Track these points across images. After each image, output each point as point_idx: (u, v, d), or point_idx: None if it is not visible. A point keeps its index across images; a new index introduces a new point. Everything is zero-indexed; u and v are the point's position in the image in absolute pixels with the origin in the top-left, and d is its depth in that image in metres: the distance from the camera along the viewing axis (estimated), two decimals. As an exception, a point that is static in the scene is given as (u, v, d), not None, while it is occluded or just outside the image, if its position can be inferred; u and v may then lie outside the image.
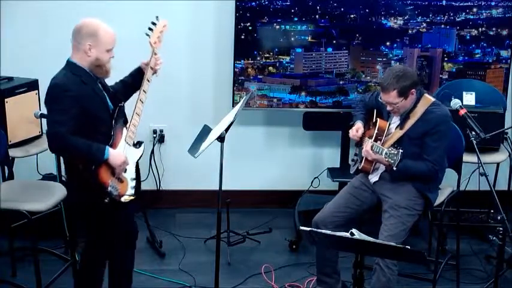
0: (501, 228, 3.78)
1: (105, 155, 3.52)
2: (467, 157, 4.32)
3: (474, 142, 3.85)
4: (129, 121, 3.70)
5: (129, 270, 3.98)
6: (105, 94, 3.65)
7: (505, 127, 4.72)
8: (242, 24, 4.90)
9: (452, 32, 5.03)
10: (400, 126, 4.00)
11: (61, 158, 4.29)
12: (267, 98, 5.06)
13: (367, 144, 3.97)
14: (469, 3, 4.99)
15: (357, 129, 4.15)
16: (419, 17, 5.00)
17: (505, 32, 5.02)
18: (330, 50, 5.03)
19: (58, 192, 4.18)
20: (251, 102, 5.03)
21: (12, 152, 4.40)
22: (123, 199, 3.65)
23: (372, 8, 4.97)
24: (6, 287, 4.30)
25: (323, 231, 3.34)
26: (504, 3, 4.97)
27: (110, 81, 3.78)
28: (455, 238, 4.45)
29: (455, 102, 4.06)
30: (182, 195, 5.46)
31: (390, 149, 3.78)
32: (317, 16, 4.95)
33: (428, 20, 5.01)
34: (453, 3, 4.99)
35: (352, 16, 4.98)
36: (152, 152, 5.30)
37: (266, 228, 5.12)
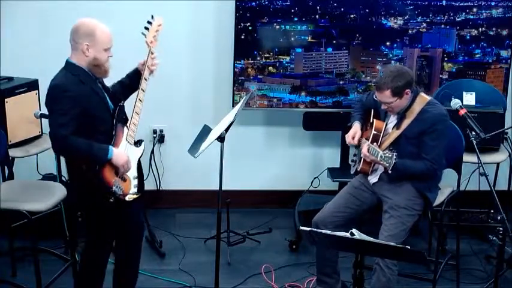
0: (501, 228, 3.78)
1: (108, 154, 3.54)
2: (467, 157, 4.32)
3: (474, 142, 3.85)
4: (129, 120, 3.71)
5: (135, 269, 3.99)
6: (105, 94, 3.66)
7: (505, 127, 4.72)
8: (242, 24, 4.90)
9: (452, 32, 5.03)
10: (397, 126, 4.00)
11: (61, 158, 4.29)
12: (267, 98, 5.06)
13: (364, 146, 3.97)
14: (469, 3, 4.99)
15: (353, 134, 4.15)
16: (419, 17, 5.00)
17: (505, 32, 5.02)
18: (330, 50, 5.03)
19: (58, 192, 4.18)
20: (251, 102, 5.03)
21: (12, 152, 4.40)
22: (127, 198, 3.67)
23: (372, 8, 4.97)
24: (6, 287, 4.30)
25: (323, 231, 3.34)
26: (504, 3, 4.97)
27: (109, 81, 3.78)
28: (455, 238, 4.45)
29: (455, 102, 4.06)
30: (182, 195, 5.46)
31: (385, 152, 3.78)
32: (317, 16, 4.95)
33: (428, 20, 5.01)
34: (453, 3, 4.99)
35: (352, 16, 4.98)
36: (152, 152, 5.30)
37: (266, 228, 5.12)
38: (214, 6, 5.10)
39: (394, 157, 3.72)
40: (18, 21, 4.99)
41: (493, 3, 4.98)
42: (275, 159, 5.47)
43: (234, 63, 4.97)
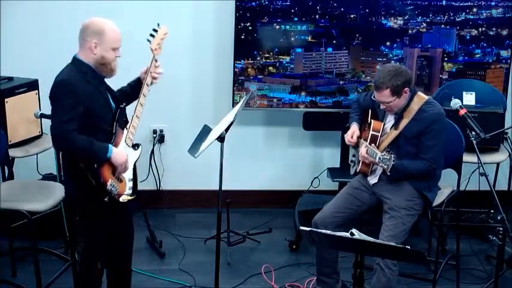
0: (501, 228, 3.78)
1: (108, 153, 3.55)
2: (467, 157, 4.32)
3: (474, 142, 3.85)
4: (129, 123, 3.71)
5: (127, 270, 3.99)
6: (108, 95, 3.68)
7: (505, 127, 4.72)
8: (242, 24, 4.90)
9: (452, 32, 5.03)
10: (395, 126, 4.00)
11: (61, 158, 4.29)
12: (267, 98, 5.06)
13: (362, 148, 3.97)
14: (469, 3, 4.99)
15: (351, 134, 4.15)
16: (419, 17, 5.00)
17: (505, 32, 5.02)
18: (330, 50, 5.03)
19: (58, 192, 4.18)
20: (251, 102, 5.03)
21: (12, 152, 4.40)
22: (121, 199, 3.67)
23: (372, 8, 4.97)
24: (6, 287, 4.30)
25: (323, 231, 3.34)
26: (504, 3, 4.97)
27: (111, 81, 3.78)
28: (455, 238, 4.45)
29: (455, 102, 4.06)
30: (182, 195, 5.46)
31: (383, 154, 3.78)
32: (317, 16, 4.95)
33: (428, 20, 5.00)
34: (453, 3, 4.99)
35: (352, 16, 4.98)
36: (152, 152, 5.30)
37: (266, 228, 5.12)
38: (214, 6, 5.10)
39: (393, 159, 3.72)
40: (18, 21, 4.99)
41: (493, 3, 4.98)
42: (275, 159, 5.47)
43: (234, 63, 4.97)
